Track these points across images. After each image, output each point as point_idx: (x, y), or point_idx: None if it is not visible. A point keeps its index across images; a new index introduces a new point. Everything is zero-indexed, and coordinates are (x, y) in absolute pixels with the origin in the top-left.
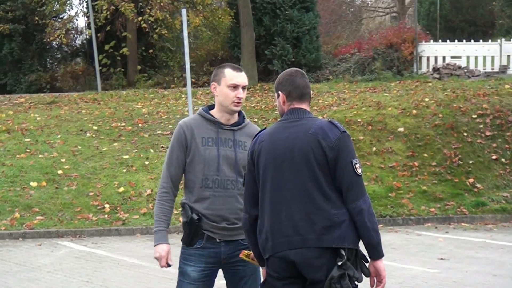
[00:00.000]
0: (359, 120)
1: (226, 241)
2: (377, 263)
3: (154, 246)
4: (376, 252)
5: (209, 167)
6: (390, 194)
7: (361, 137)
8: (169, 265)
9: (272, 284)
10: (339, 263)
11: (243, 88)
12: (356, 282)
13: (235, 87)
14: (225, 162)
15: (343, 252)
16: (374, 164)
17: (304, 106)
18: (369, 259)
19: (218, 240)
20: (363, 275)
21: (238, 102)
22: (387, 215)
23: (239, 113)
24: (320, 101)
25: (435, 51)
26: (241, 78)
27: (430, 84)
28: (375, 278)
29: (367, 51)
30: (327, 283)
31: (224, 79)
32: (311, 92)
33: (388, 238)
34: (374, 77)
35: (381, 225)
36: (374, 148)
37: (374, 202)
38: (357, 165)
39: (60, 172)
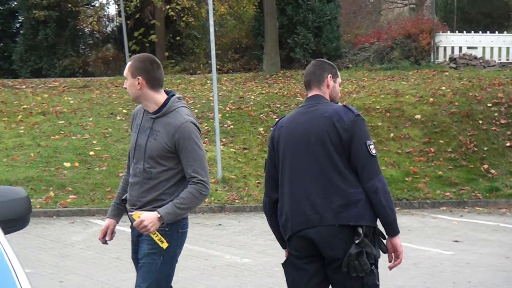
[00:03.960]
0: (377, 107)
1: None
2: (394, 240)
3: None
4: (392, 229)
5: (131, 153)
6: (406, 179)
7: (379, 124)
8: (105, 242)
9: (293, 263)
10: (357, 241)
11: (126, 79)
12: (374, 259)
13: None
14: (138, 150)
15: (360, 230)
16: (391, 150)
17: (318, 92)
18: (386, 236)
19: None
20: (381, 252)
21: None
22: (404, 198)
23: (166, 101)
24: (340, 88)
25: (452, 42)
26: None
27: (446, 73)
28: (392, 254)
29: (386, 40)
30: (345, 261)
31: None
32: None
33: (404, 220)
34: (393, 66)
35: (397, 208)
36: (392, 134)
37: (391, 186)
38: (371, 146)
39: (91, 153)
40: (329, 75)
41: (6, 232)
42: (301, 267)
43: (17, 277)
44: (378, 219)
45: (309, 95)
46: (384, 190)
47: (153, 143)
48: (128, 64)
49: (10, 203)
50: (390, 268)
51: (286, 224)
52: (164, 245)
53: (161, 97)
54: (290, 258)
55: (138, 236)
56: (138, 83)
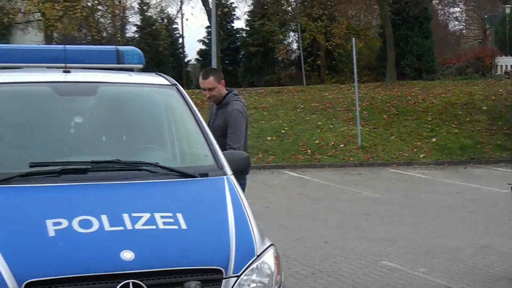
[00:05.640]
0: (458, 102)
1: None
2: None
3: None
4: None
5: None
6: (477, 146)
7: (460, 112)
8: None
9: None
10: None
11: (209, 89)
12: None
13: (204, 89)
14: (210, 129)
15: None
16: (468, 128)
17: None
18: None
19: None
20: None
21: (209, 98)
22: (475, 158)
23: (224, 97)
24: (434, 91)
25: (506, 62)
26: (203, 84)
27: (502, 81)
28: None
29: (463, 62)
30: None
31: None
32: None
33: (476, 171)
34: (468, 77)
35: (471, 164)
36: (467, 119)
37: (467, 150)
38: None
39: (283, 131)
40: None
41: (236, 178)
42: None
43: (244, 204)
44: None
45: None
46: None
47: (216, 123)
48: (210, 78)
49: (239, 161)
50: None
51: None
52: None
53: (224, 93)
54: None
55: None
56: (222, 84)
